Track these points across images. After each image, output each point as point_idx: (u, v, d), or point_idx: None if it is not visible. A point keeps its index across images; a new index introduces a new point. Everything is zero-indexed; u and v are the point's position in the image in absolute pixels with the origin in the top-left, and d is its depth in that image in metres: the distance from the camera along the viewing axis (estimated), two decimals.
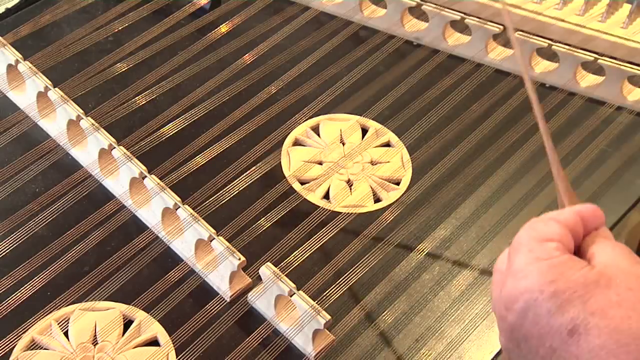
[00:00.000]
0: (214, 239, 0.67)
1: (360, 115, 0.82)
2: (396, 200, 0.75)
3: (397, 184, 0.77)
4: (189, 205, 0.69)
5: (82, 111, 0.75)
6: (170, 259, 0.69)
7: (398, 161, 0.78)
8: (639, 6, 0.88)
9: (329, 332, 0.64)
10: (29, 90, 0.79)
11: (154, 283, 0.66)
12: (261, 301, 0.66)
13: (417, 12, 0.91)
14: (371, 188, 0.76)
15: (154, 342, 0.64)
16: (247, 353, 0.63)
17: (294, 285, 0.64)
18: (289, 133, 0.80)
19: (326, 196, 0.75)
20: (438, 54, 0.88)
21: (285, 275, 0.65)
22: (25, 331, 0.63)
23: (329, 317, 0.62)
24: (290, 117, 0.80)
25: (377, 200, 0.76)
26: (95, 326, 0.64)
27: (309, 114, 0.81)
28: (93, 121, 0.74)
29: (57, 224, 0.70)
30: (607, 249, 0.44)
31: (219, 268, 0.67)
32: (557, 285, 0.42)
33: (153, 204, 0.70)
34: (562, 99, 0.84)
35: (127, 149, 0.72)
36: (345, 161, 0.78)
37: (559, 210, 0.48)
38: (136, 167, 0.71)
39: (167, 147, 0.76)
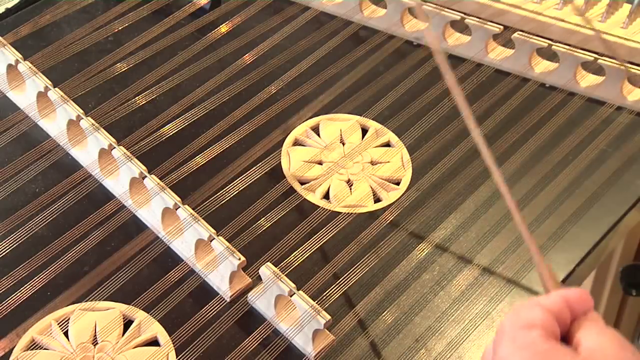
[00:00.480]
0: (214, 239, 0.67)
1: (360, 115, 0.82)
2: (396, 200, 0.75)
3: (397, 184, 0.77)
4: (189, 205, 0.69)
5: (82, 111, 0.75)
6: (170, 259, 0.69)
7: (398, 161, 0.78)
8: (639, 6, 0.88)
9: (329, 332, 0.64)
10: (29, 90, 0.79)
11: (154, 283, 0.66)
12: (261, 301, 0.66)
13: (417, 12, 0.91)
14: (371, 188, 0.76)
15: (154, 342, 0.64)
16: (247, 353, 0.63)
17: (294, 285, 0.64)
18: (289, 133, 0.80)
19: (326, 196, 0.75)
20: None
21: (285, 275, 0.65)
22: (25, 331, 0.63)
23: (329, 317, 0.62)
24: (290, 117, 0.80)
25: (377, 200, 0.76)
26: (95, 326, 0.64)
27: (309, 114, 0.81)
28: (93, 121, 0.74)
29: (57, 224, 0.70)
30: (593, 334, 0.43)
31: (219, 268, 0.67)
32: None
33: (153, 204, 0.70)
34: (562, 99, 0.85)
35: (127, 149, 0.72)
36: (345, 161, 0.78)
37: (544, 295, 0.46)
38: (136, 167, 0.71)
39: (167, 147, 0.76)
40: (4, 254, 0.67)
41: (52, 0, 0.91)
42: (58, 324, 0.64)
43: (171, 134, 0.77)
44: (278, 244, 0.69)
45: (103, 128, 0.74)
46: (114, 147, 0.72)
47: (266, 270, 0.65)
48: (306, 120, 0.81)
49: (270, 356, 0.64)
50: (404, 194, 0.76)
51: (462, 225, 0.74)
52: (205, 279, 0.68)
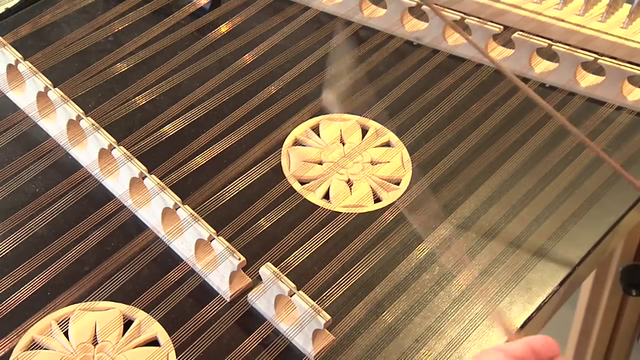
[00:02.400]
0: (214, 239, 0.67)
1: (360, 115, 0.82)
2: (396, 200, 0.75)
3: (397, 184, 0.77)
4: (189, 205, 0.69)
5: (82, 111, 0.75)
6: (170, 259, 0.69)
7: (398, 161, 0.78)
8: (639, 6, 0.88)
9: (329, 332, 0.64)
10: (29, 90, 0.79)
11: (154, 283, 0.66)
12: (261, 301, 0.66)
13: (417, 12, 0.91)
14: (371, 188, 0.76)
15: (154, 342, 0.64)
16: (247, 353, 0.63)
17: (294, 285, 0.64)
18: (289, 133, 0.80)
19: (326, 196, 0.75)
20: (438, 54, 0.88)
21: (285, 275, 0.65)
22: (25, 331, 0.63)
23: (329, 317, 0.62)
24: (290, 117, 0.80)
25: (377, 200, 0.76)
26: (95, 326, 0.64)
27: (309, 114, 0.81)
28: (93, 121, 0.74)
29: (57, 224, 0.70)
30: None
31: (219, 268, 0.67)
32: None
33: (153, 204, 0.70)
34: (562, 99, 0.85)
35: (127, 149, 0.72)
36: (345, 161, 0.78)
37: (509, 342, 0.46)
38: (136, 167, 0.71)
39: (167, 147, 0.76)
40: (4, 254, 0.67)
41: (52, 0, 0.91)
42: (58, 324, 0.64)
43: (171, 134, 0.77)
44: (278, 244, 0.69)
45: (103, 128, 0.74)
46: (114, 147, 0.72)
47: (266, 270, 0.65)
48: (306, 120, 0.81)
49: (270, 356, 0.64)
50: (404, 194, 0.76)
51: (462, 225, 0.74)
52: (205, 279, 0.68)
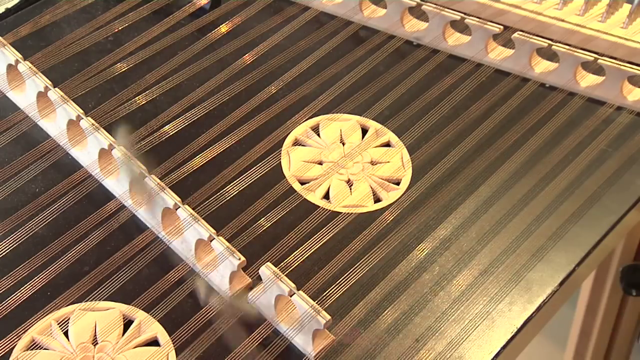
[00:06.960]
0: (214, 239, 0.67)
1: (360, 115, 0.82)
2: (396, 200, 0.75)
3: (397, 184, 0.77)
4: (189, 205, 0.69)
5: (82, 111, 0.75)
6: (170, 259, 0.69)
7: (398, 161, 0.78)
8: (639, 6, 0.88)
9: (329, 332, 0.64)
10: (29, 90, 0.79)
11: (154, 283, 0.66)
12: (261, 301, 0.66)
13: (417, 12, 0.91)
14: (371, 188, 0.76)
15: (154, 342, 0.64)
16: (247, 353, 0.63)
17: (294, 285, 0.64)
18: (289, 133, 0.80)
19: (326, 196, 0.76)
20: (438, 54, 0.88)
21: (285, 275, 0.65)
22: (25, 331, 0.63)
23: (329, 317, 0.62)
24: (290, 117, 0.80)
25: (377, 200, 0.76)
26: (95, 326, 0.64)
27: (309, 114, 0.81)
28: (93, 121, 0.74)
29: (57, 224, 0.70)
30: None
31: (219, 268, 0.67)
32: None
33: (153, 204, 0.70)
34: (562, 99, 0.85)
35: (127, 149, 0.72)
36: (345, 161, 0.78)
37: None
38: (136, 167, 0.71)
39: (167, 147, 0.76)
40: (4, 254, 0.67)
41: (52, 0, 0.91)
42: (58, 324, 0.64)
43: (171, 134, 0.77)
44: (278, 244, 0.69)
45: (103, 128, 0.74)
46: (114, 147, 0.72)
47: (266, 270, 0.65)
48: (306, 120, 0.81)
49: (270, 356, 0.64)
50: (404, 194, 0.76)
51: (462, 225, 0.74)
52: (205, 279, 0.68)
